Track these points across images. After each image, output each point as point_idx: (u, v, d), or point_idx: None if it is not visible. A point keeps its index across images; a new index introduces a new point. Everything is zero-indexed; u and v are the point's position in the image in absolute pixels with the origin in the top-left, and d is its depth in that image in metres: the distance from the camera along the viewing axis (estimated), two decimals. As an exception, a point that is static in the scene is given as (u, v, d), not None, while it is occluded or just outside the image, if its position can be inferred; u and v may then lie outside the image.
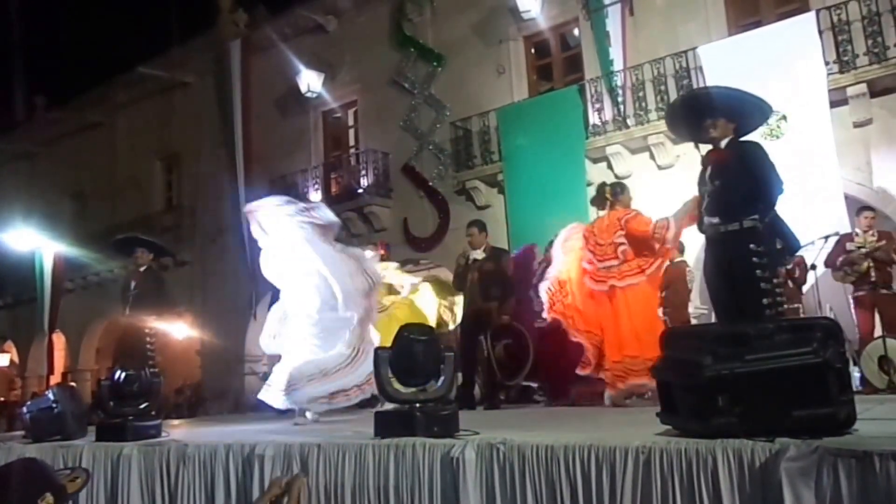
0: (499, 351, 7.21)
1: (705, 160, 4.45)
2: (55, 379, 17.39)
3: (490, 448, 3.17)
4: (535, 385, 7.85)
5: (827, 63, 9.66)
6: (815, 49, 9.60)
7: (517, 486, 3.07)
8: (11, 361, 21.78)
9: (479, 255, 7.22)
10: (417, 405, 3.64)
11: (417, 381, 3.72)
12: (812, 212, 8.32)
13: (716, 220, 4.27)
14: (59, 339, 19.01)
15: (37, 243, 16.76)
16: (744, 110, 4.36)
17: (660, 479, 2.72)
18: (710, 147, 4.46)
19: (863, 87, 9.60)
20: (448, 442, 3.34)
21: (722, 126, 4.31)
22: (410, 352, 3.71)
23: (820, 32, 9.71)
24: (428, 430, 3.48)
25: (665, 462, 2.72)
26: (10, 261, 18.00)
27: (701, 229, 4.48)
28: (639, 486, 2.76)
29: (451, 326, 7.70)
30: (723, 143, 4.35)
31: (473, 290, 7.10)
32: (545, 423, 4.57)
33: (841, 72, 9.71)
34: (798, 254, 7.70)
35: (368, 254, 6.76)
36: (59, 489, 2.72)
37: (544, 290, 6.31)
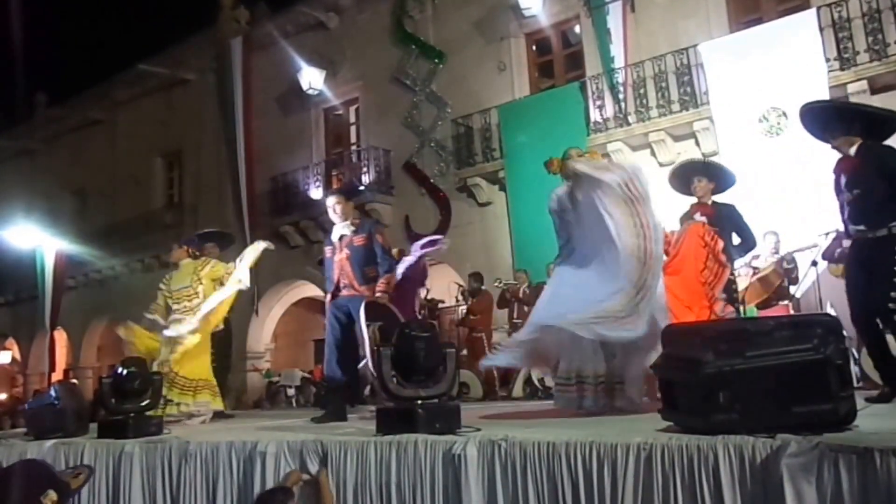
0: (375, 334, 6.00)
1: (837, 169, 4.57)
2: (57, 376, 17.36)
3: (491, 445, 3.17)
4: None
5: (828, 60, 9.67)
6: (816, 46, 9.62)
7: (519, 482, 3.07)
8: (13, 359, 21.80)
9: (345, 229, 5.86)
10: (419, 402, 3.65)
11: (419, 378, 3.72)
12: (812, 208, 8.30)
13: (862, 227, 4.38)
14: (60, 337, 19.01)
15: (38, 240, 16.75)
16: (870, 125, 4.50)
17: (661, 475, 2.72)
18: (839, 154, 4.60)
19: (863, 84, 9.59)
20: (450, 439, 3.34)
21: (845, 141, 4.47)
22: (412, 349, 3.71)
23: (821, 29, 9.74)
24: (429, 427, 3.48)
25: (666, 458, 2.72)
26: (12, 258, 18.03)
27: (847, 236, 4.58)
28: (640, 482, 2.76)
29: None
30: (851, 151, 4.46)
31: (345, 272, 5.74)
32: (546, 419, 4.57)
33: (841, 69, 9.71)
34: (795, 254, 7.73)
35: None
36: (62, 486, 2.76)
37: None
